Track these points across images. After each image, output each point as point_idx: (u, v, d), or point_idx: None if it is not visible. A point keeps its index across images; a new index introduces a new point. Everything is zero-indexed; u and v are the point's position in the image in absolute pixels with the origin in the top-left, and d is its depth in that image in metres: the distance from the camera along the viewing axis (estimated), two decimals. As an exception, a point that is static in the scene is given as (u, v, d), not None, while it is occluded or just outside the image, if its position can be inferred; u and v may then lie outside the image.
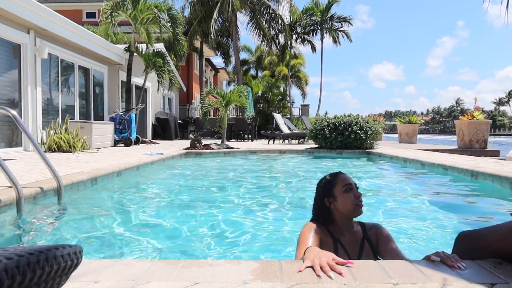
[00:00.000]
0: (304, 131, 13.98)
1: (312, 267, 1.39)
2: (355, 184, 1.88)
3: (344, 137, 9.87)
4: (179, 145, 11.50)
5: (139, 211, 3.59)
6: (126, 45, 12.88)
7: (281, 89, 28.83)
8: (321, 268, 1.37)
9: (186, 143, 11.76)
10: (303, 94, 31.67)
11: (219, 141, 11.65)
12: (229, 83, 36.74)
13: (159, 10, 12.15)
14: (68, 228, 2.97)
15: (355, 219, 1.90)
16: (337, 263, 1.41)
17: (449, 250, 1.69)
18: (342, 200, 1.82)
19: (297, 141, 14.77)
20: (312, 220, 1.92)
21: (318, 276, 1.33)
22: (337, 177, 1.91)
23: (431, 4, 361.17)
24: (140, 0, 11.87)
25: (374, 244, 1.83)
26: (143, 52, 12.56)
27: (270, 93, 26.45)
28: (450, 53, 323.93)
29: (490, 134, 10.74)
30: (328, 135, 9.99)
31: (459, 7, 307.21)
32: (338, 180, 1.88)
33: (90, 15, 22.94)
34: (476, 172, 5.04)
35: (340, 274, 1.34)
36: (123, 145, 11.02)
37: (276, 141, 14.67)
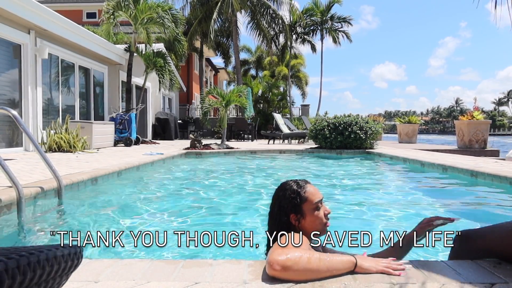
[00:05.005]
0: (304, 131, 13.98)
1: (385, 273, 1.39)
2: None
3: (344, 137, 9.87)
4: (179, 145, 11.50)
5: (139, 211, 3.59)
6: (126, 45, 12.89)
7: (281, 89, 28.80)
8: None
9: (186, 143, 11.75)
10: (303, 94, 31.68)
11: (219, 141, 11.65)
12: (229, 83, 36.74)
13: (162, 10, 12.14)
14: (69, 228, 2.97)
15: None
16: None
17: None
18: (312, 218, 1.57)
19: (297, 141, 14.77)
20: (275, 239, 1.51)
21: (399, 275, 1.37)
22: (306, 189, 1.60)
23: (435, 4, 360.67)
24: (141, 0, 11.88)
25: None
26: (143, 52, 12.57)
27: (270, 93, 26.43)
28: (453, 54, 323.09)
29: (490, 134, 10.74)
30: (328, 135, 9.99)
31: (462, 8, 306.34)
32: (309, 194, 1.59)
33: (91, 15, 22.98)
34: (476, 172, 5.04)
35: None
36: (123, 145, 11.02)
37: (276, 141, 14.66)
